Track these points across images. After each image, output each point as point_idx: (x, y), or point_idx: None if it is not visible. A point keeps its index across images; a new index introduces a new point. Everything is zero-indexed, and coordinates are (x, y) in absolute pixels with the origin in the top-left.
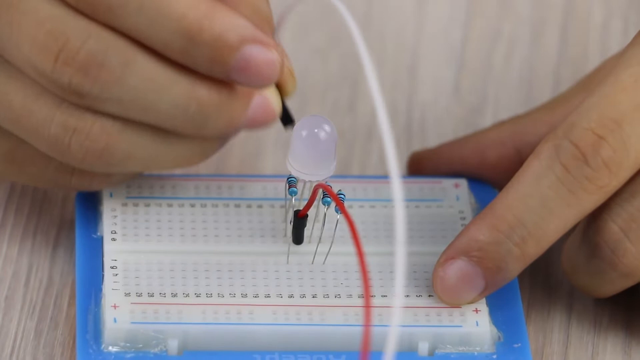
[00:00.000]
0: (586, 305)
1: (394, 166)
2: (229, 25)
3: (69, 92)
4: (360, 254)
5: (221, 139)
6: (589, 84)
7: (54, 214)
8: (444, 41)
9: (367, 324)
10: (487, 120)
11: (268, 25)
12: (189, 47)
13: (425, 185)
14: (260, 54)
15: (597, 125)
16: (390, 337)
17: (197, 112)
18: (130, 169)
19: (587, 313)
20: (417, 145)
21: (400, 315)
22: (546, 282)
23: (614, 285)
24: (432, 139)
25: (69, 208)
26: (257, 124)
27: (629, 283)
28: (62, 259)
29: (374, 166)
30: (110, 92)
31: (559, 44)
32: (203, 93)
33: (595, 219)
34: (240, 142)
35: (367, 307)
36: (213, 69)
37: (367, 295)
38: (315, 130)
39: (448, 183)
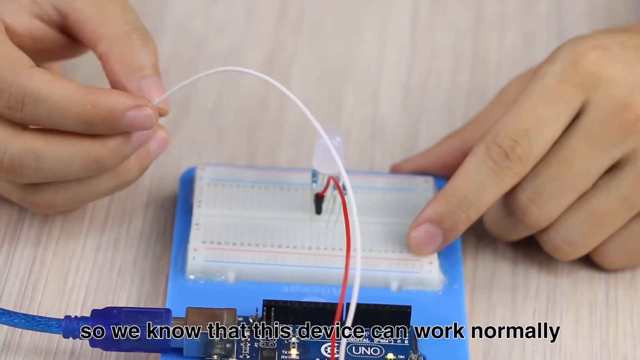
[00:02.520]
0: (506, 256)
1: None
2: (110, 103)
3: (7, 179)
4: (346, 221)
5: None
6: (501, 100)
7: (139, 183)
8: (396, 74)
9: (346, 267)
10: (423, 127)
11: (140, 72)
12: (89, 127)
13: (404, 179)
14: (138, 114)
15: (513, 133)
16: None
17: (97, 165)
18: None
19: (507, 261)
20: (380, 145)
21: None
22: (490, 245)
23: (521, 234)
24: (389, 141)
25: (155, 183)
26: (158, 150)
27: (530, 232)
28: (150, 216)
29: (352, 157)
30: (33, 177)
31: (469, 77)
32: (99, 149)
33: (512, 192)
34: (264, 139)
35: (348, 257)
36: (110, 131)
37: (348, 248)
38: (330, 141)
39: (420, 179)
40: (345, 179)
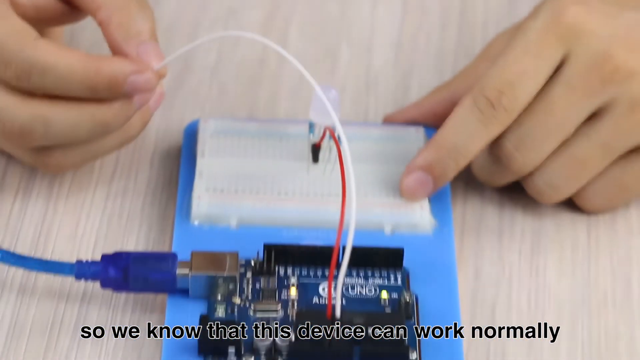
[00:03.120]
0: (493, 200)
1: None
2: (113, 70)
3: (18, 145)
4: (342, 168)
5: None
6: (487, 54)
7: (145, 135)
8: (388, 31)
9: (342, 212)
10: (414, 81)
11: (138, 37)
12: (94, 93)
13: (397, 129)
14: (139, 78)
15: (499, 85)
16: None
17: (103, 128)
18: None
19: (494, 205)
20: (373, 99)
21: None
22: (478, 190)
23: (506, 179)
24: (381, 95)
25: (160, 136)
26: (156, 104)
27: (514, 178)
28: (156, 166)
29: (347, 109)
30: (43, 141)
31: (457, 34)
32: (104, 112)
33: (497, 140)
34: (264, 92)
35: (343, 202)
36: (114, 96)
37: (344, 194)
38: (325, 94)
39: (411, 129)
40: (340, 131)
